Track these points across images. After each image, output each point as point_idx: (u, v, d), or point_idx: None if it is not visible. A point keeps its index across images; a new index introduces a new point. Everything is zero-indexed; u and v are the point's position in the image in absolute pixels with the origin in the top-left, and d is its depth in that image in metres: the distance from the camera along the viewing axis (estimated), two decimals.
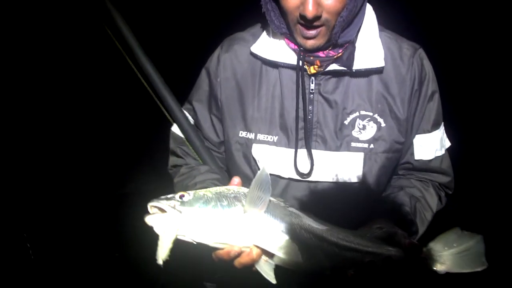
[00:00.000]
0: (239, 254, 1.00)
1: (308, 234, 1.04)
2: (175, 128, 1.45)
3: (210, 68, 1.37)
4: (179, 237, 1.00)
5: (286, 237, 1.01)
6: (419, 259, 1.10)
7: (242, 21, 1.48)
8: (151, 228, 1.00)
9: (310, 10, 1.08)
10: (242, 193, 1.04)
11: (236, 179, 1.15)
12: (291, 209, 1.07)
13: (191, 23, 4.15)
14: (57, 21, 3.65)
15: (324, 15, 1.12)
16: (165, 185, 1.48)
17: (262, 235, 1.00)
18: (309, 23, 1.12)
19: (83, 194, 3.61)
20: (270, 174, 1.27)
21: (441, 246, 1.13)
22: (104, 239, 3.18)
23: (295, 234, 1.02)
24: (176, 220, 0.98)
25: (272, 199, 1.05)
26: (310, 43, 1.17)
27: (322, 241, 1.05)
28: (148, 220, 1.00)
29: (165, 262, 0.98)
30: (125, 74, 1.45)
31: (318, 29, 1.14)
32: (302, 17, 1.11)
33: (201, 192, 1.03)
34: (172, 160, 1.48)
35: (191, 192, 1.03)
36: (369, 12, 1.30)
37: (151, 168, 3.53)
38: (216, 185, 1.29)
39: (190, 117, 1.43)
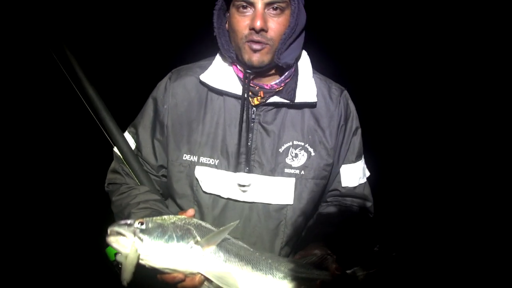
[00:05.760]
0: (183, 280, 1.09)
1: (249, 266, 1.14)
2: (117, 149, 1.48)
3: (158, 96, 1.44)
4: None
5: (227, 268, 1.11)
6: (345, 281, 1.22)
7: (187, 55, 1.60)
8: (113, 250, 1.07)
9: (258, 23, 1.24)
10: (193, 224, 1.14)
11: (191, 211, 1.23)
12: (239, 243, 1.18)
13: (140, 53, 4.24)
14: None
15: (270, 34, 1.27)
16: None
17: (206, 265, 1.10)
18: (257, 34, 1.26)
19: (81, 192, 3.52)
20: (211, 194, 1.37)
21: (361, 268, 1.27)
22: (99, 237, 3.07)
23: (236, 267, 1.13)
24: (138, 246, 1.06)
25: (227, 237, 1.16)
26: (256, 57, 1.28)
27: (262, 271, 1.15)
28: (111, 241, 1.07)
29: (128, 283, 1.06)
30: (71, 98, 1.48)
31: (264, 45, 1.28)
32: (252, 29, 1.25)
33: (158, 220, 1.12)
34: (112, 177, 1.49)
35: (149, 220, 1.11)
36: (305, 57, 1.47)
37: None
38: (158, 207, 1.36)
39: (132, 140, 1.48)
